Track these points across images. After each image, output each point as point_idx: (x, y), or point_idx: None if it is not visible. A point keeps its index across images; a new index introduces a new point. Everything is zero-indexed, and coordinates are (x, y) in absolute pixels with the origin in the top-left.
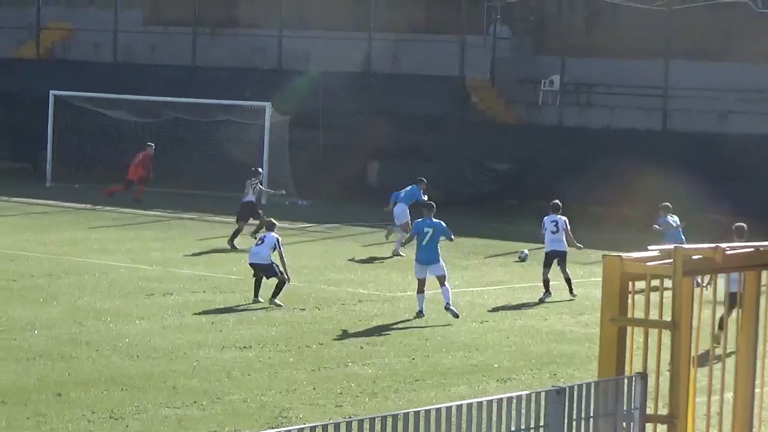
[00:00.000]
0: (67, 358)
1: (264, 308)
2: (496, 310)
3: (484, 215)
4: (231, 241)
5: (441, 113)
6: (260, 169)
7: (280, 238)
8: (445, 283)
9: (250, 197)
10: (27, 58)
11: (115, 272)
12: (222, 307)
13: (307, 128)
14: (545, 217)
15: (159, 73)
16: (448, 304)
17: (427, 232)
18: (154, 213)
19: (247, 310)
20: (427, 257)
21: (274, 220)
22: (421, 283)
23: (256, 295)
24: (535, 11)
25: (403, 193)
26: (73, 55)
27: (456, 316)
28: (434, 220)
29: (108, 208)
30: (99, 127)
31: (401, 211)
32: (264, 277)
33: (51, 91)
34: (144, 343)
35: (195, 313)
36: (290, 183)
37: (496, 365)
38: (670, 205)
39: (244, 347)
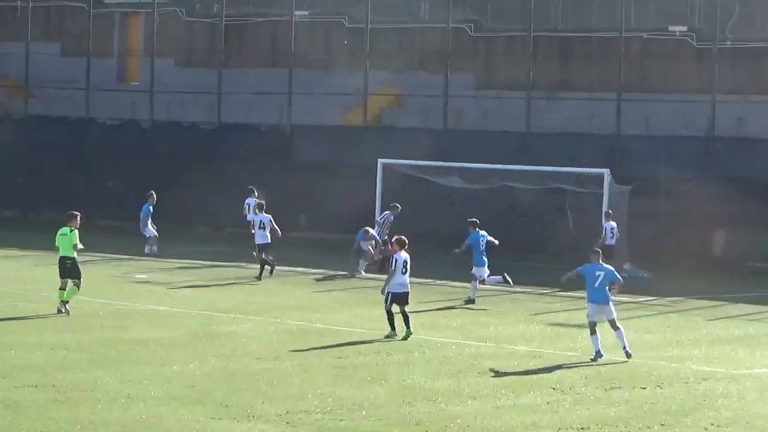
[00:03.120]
0: None
1: (605, 389)
2: None
3: None
4: None
5: None
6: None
7: None
8: None
9: None
10: (354, 125)
11: (446, 349)
12: (557, 386)
13: (648, 196)
14: None
15: (491, 139)
16: None
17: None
18: (485, 288)
19: (586, 386)
20: None
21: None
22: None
23: None
24: None
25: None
26: (401, 122)
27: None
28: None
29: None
30: (428, 195)
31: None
32: None
33: (379, 159)
34: (476, 425)
35: (529, 393)
36: (627, 255)
37: None
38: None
39: (582, 428)
